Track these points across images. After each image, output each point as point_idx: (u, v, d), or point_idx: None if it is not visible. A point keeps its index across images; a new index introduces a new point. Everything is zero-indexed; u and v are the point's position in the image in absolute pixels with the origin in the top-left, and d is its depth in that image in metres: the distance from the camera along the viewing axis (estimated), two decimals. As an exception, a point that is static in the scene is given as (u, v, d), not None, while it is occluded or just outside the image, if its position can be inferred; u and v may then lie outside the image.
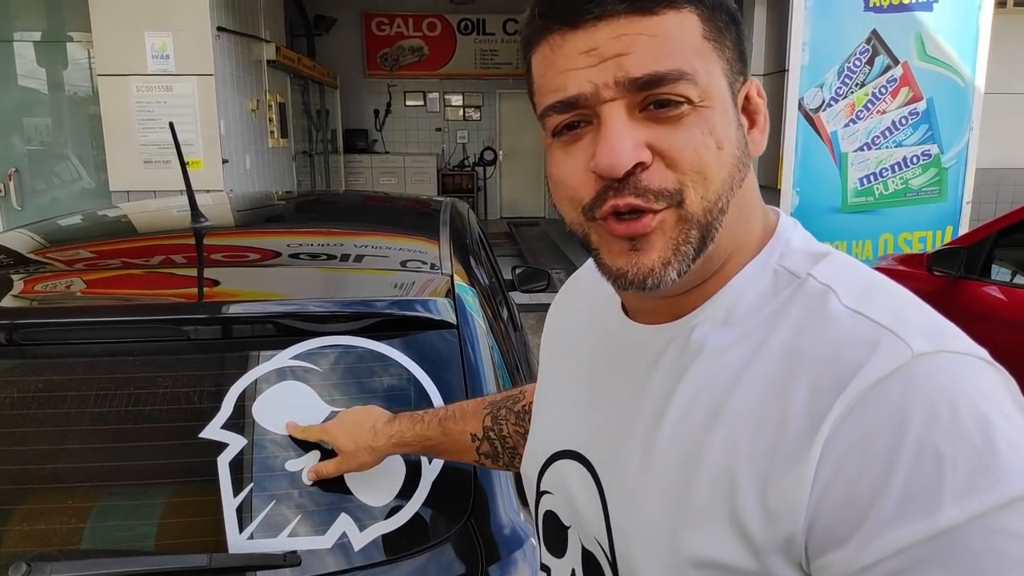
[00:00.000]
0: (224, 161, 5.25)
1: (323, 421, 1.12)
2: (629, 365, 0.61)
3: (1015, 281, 3.25)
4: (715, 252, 0.55)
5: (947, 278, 3.28)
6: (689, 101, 0.51)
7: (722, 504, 0.50)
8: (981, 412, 0.44)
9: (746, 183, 0.56)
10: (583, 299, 0.74)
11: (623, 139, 0.51)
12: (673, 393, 0.55)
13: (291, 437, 1.11)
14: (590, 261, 0.78)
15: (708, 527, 0.50)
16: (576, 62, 0.52)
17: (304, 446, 1.10)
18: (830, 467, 0.45)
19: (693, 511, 0.52)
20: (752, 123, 0.57)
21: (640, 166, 0.51)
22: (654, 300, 0.60)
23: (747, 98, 0.57)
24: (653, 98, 0.51)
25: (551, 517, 0.70)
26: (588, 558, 0.64)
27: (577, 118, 0.54)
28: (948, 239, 4.47)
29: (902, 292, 0.52)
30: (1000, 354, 0.49)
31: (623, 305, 0.65)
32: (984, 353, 0.47)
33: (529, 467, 0.74)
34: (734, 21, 0.55)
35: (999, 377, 0.47)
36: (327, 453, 1.10)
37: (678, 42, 0.51)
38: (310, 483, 1.07)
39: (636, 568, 0.56)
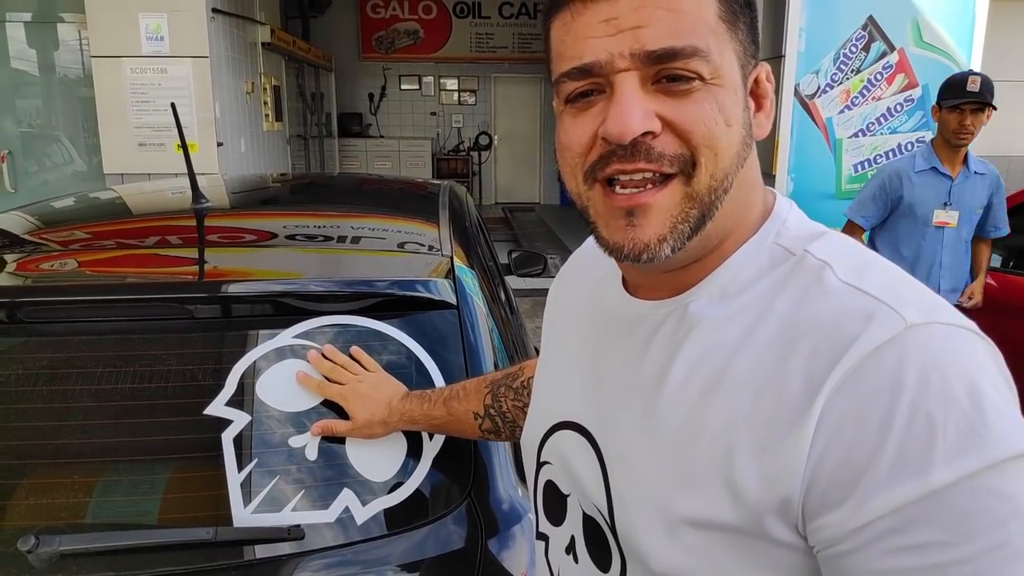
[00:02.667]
0: (219, 144, 5.23)
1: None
2: (628, 338, 0.63)
3: (1007, 268, 3.28)
4: (712, 230, 0.56)
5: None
6: (700, 77, 0.52)
7: (719, 468, 0.52)
8: (970, 379, 0.46)
9: (748, 163, 0.57)
10: (584, 275, 0.76)
11: (634, 107, 0.52)
12: (671, 363, 0.57)
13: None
14: (591, 238, 0.80)
15: (705, 490, 0.53)
16: (594, 30, 0.53)
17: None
18: (827, 432, 0.47)
19: (690, 474, 0.54)
20: (759, 107, 0.59)
21: (650, 135, 0.53)
22: (654, 276, 0.61)
23: (756, 82, 0.58)
24: (666, 72, 0.52)
25: (550, 487, 0.72)
26: (589, 523, 0.66)
27: (591, 86, 0.55)
28: (941, 226, 4.48)
29: (895, 269, 0.54)
30: (992, 340, 0.51)
31: (624, 281, 0.67)
32: (972, 325, 0.49)
33: (529, 439, 0.76)
34: (749, 5, 0.56)
35: (986, 347, 0.49)
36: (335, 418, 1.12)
37: (695, 19, 0.52)
38: (316, 436, 1.11)
39: (635, 530, 0.58)
